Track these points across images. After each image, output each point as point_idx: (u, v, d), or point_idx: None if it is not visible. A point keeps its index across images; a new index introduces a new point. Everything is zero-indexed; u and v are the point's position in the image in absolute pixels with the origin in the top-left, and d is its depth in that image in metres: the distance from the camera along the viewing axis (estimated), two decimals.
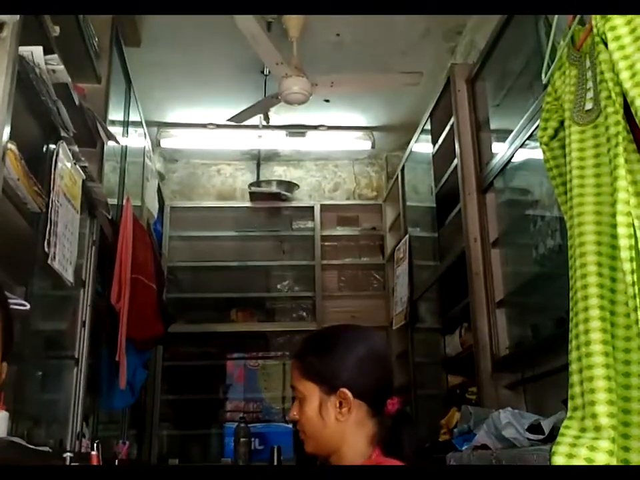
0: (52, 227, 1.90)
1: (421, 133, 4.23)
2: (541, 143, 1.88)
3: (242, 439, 4.53)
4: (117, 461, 2.04)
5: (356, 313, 5.16)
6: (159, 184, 4.64)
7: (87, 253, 2.64)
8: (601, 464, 1.36)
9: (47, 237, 1.88)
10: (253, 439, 4.68)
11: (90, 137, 2.53)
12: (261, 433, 4.71)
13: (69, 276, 2.09)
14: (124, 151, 3.53)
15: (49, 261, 1.88)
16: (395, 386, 4.40)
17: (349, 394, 1.40)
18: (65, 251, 2.02)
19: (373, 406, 1.43)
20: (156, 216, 4.40)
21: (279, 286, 5.34)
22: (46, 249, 1.87)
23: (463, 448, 2.26)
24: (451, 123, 3.50)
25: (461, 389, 3.42)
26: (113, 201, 3.26)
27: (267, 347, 5.16)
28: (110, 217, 2.87)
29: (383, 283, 5.31)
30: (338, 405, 1.41)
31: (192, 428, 4.96)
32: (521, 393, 2.84)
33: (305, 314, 5.28)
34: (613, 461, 1.37)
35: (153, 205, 4.24)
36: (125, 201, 3.22)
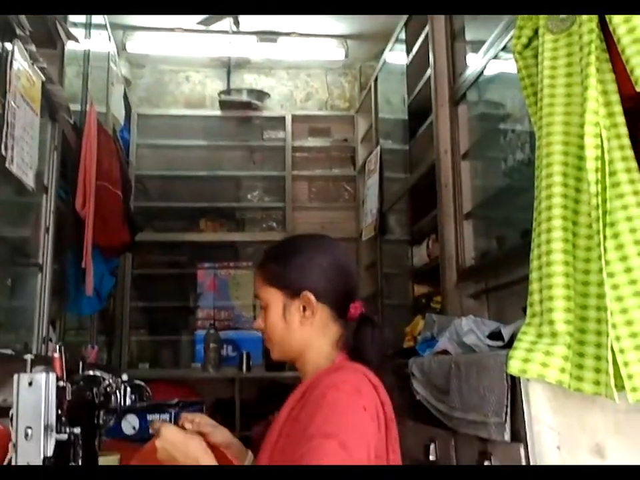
0: (9, 129, 1.84)
1: (395, 43, 4.12)
2: (514, 52, 1.84)
3: (211, 345, 4.61)
4: (84, 364, 2.06)
5: (326, 224, 5.17)
6: (125, 90, 4.50)
7: (49, 158, 2.58)
8: (555, 368, 1.40)
9: (3, 139, 1.82)
10: (225, 346, 4.77)
11: (49, 36, 2.42)
12: (231, 340, 4.79)
13: (29, 180, 2.04)
14: (87, 55, 3.40)
15: (7, 165, 1.83)
16: (363, 296, 4.47)
17: (312, 297, 1.41)
18: (24, 155, 1.96)
19: (336, 310, 1.44)
20: (122, 123, 4.28)
21: (249, 196, 5.31)
22: (3, 152, 1.82)
23: (425, 354, 2.32)
24: (425, 32, 3.41)
25: (427, 298, 3.48)
26: (76, 106, 3.17)
27: (237, 256, 5.17)
28: (72, 122, 2.79)
29: (354, 195, 5.30)
30: (302, 308, 1.42)
31: (163, 334, 5.02)
32: (484, 302, 2.90)
33: (274, 224, 5.27)
34: (568, 366, 1.42)
35: (118, 112, 4.13)
36: (88, 106, 3.12)
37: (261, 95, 5.17)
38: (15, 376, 1.42)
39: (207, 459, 1.27)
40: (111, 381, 1.86)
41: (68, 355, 2.54)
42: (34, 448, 1.38)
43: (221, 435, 1.50)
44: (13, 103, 1.89)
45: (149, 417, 2.29)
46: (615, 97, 1.44)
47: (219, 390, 4.71)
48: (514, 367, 1.43)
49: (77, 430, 1.51)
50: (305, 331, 1.43)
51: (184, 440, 1.30)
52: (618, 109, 1.44)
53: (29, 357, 1.46)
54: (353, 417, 1.22)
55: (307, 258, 1.45)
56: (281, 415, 1.35)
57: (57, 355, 1.57)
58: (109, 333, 4.57)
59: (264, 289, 1.46)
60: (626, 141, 1.43)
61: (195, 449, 1.28)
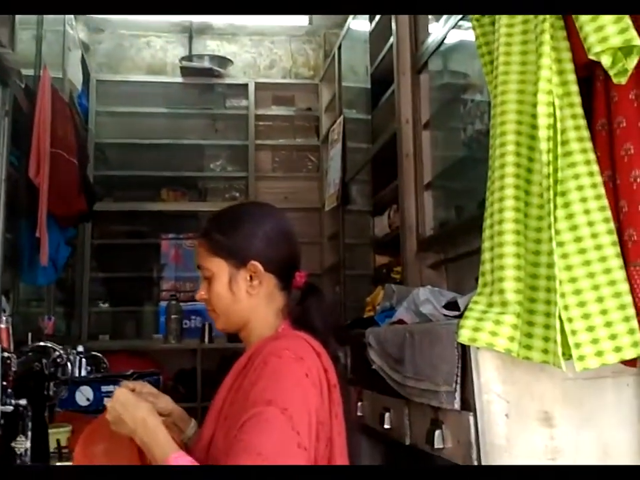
0: None
1: None
2: (472, 19, 1.82)
3: (173, 316, 4.59)
4: (34, 335, 2.02)
5: (289, 194, 5.15)
6: (82, 55, 4.37)
7: (0, 124, 2.50)
8: (504, 337, 1.41)
9: None
10: (193, 317, 4.75)
11: None
12: (195, 311, 4.76)
13: None
14: (40, 17, 3.28)
15: None
16: (326, 266, 4.49)
17: (260, 266, 1.39)
18: None
19: (282, 279, 1.44)
20: (80, 89, 4.17)
21: (211, 165, 5.23)
22: None
23: (383, 324, 2.32)
24: None
25: (387, 268, 3.49)
26: (29, 71, 3.08)
27: (199, 227, 5.11)
28: (24, 87, 2.70)
29: (317, 165, 5.26)
30: (248, 278, 1.40)
31: (125, 305, 4.97)
32: (443, 272, 2.91)
33: (237, 194, 5.22)
34: (517, 335, 1.42)
35: (76, 77, 4.02)
36: (41, 71, 3.03)
37: (224, 61, 5.08)
38: None
39: (153, 420, 1.26)
40: (61, 351, 1.83)
41: (22, 326, 2.51)
42: None
43: (164, 403, 1.48)
44: None
45: (103, 389, 2.27)
46: (569, 66, 1.43)
47: (181, 361, 4.70)
48: (464, 336, 1.43)
49: (24, 401, 1.48)
50: (252, 301, 1.41)
51: (134, 402, 1.29)
52: (572, 77, 1.43)
53: None
54: (294, 383, 1.22)
55: (253, 226, 1.43)
56: (225, 384, 1.35)
57: (2, 325, 1.54)
58: (69, 304, 4.50)
59: (208, 259, 1.42)
60: (579, 110, 1.43)
61: (144, 411, 1.27)
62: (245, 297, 1.40)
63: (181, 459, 1.16)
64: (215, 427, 1.31)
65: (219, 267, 1.41)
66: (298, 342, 1.32)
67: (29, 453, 1.63)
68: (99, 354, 2.96)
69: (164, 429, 1.25)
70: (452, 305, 2.04)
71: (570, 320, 1.35)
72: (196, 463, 1.18)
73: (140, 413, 1.26)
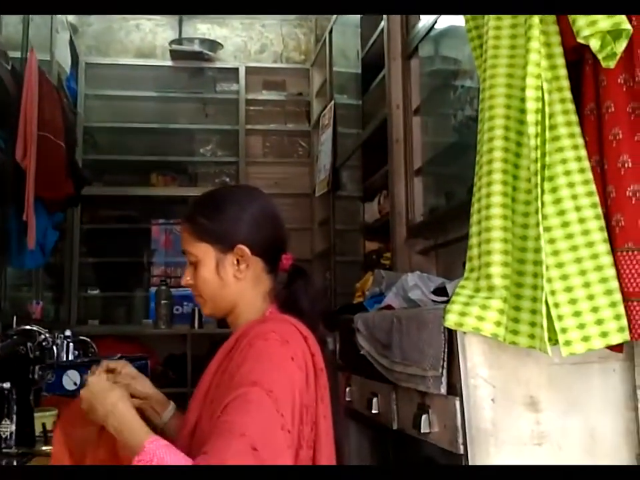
0: None
1: None
2: None
3: (163, 302, 4.58)
4: (19, 318, 2.01)
5: (280, 180, 5.13)
6: (71, 37, 4.34)
7: None
8: (491, 322, 1.41)
9: None
10: (184, 303, 4.74)
11: None
12: (185, 296, 4.74)
13: None
14: None
15: None
16: (317, 252, 4.48)
17: (247, 250, 1.37)
18: None
19: (269, 262, 1.42)
20: (68, 72, 4.14)
21: (201, 150, 5.20)
22: None
23: (372, 309, 2.32)
24: None
25: (377, 254, 3.49)
26: (16, 54, 3.04)
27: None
28: (10, 69, 2.67)
29: (308, 150, 5.24)
30: (235, 262, 1.38)
31: (115, 290, 4.95)
32: (432, 258, 2.91)
33: (228, 179, 5.19)
34: (503, 320, 1.42)
35: (64, 60, 3.99)
36: (29, 53, 2.99)
37: (214, 45, 5.03)
38: None
39: (124, 406, 1.23)
40: (47, 335, 1.82)
41: (10, 311, 2.49)
42: None
43: (141, 385, 1.47)
44: None
45: None
46: (558, 50, 1.42)
47: (171, 346, 4.70)
48: (451, 320, 1.43)
49: (7, 385, 1.47)
50: (239, 285, 1.39)
51: (107, 388, 1.27)
52: (561, 61, 1.42)
53: None
54: (279, 366, 1.22)
55: (238, 210, 1.40)
56: (211, 367, 1.33)
57: None
58: (58, 289, 4.48)
59: (194, 245, 1.39)
60: (567, 95, 1.42)
61: (115, 397, 1.24)
62: (232, 282, 1.38)
63: (156, 443, 1.12)
64: (200, 410, 1.30)
65: (205, 252, 1.38)
66: (284, 325, 1.31)
67: (14, 436, 1.62)
68: (86, 338, 2.95)
69: (136, 415, 1.22)
70: (440, 291, 2.04)
71: (556, 305, 1.35)
72: (172, 447, 1.14)
73: (110, 399, 1.24)
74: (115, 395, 1.25)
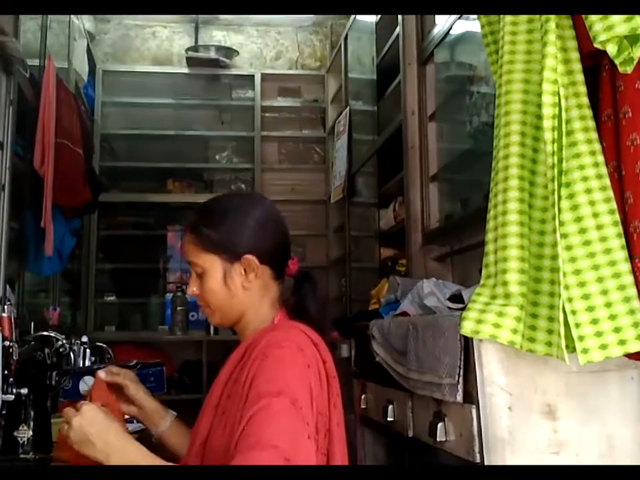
0: None
1: None
2: None
3: (178, 308, 4.59)
4: (37, 324, 2.02)
5: (295, 186, 5.13)
6: (88, 45, 4.37)
7: (4, 112, 2.50)
8: (508, 329, 1.40)
9: None
10: (199, 309, 4.73)
11: None
12: None
13: None
14: None
15: None
16: (332, 259, 4.47)
17: (255, 259, 1.36)
18: None
19: (276, 268, 1.41)
20: (86, 79, 4.17)
21: (217, 157, 5.22)
22: None
23: (387, 316, 2.32)
24: None
25: (393, 261, 3.48)
26: (34, 61, 3.07)
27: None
28: (28, 76, 2.70)
29: (323, 157, 5.24)
30: (243, 272, 1.36)
31: (131, 296, 4.97)
32: (448, 265, 2.90)
33: (243, 186, 5.20)
34: (520, 327, 1.41)
35: (81, 68, 4.02)
36: (46, 61, 3.02)
37: (230, 52, 5.06)
38: None
39: (128, 441, 1.18)
40: (64, 341, 1.83)
41: (27, 317, 2.51)
42: None
43: (141, 394, 1.47)
44: None
45: None
46: (575, 55, 1.42)
47: (186, 352, 4.71)
48: (467, 328, 1.42)
49: (24, 390, 1.48)
50: (248, 294, 1.37)
51: (105, 422, 1.20)
52: (577, 66, 1.41)
53: None
54: (300, 374, 1.21)
55: (242, 218, 1.38)
56: (221, 377, 1.32)
57: (5, 314, 1.53)
58: (74, 295, 4.51)
59: (199, 256, 1.37)
60: (584, 100, 1.41)
61: (117, 433, 1.19)
62: (240, 292, 1.36)
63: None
64: (211, 421, 1.29)
65: (212, 263, 1.36)
66: (296, 333, 1.30)
67: (31, 442, 1.63)
68: (103, 344, 2.96)
69: (136, 443, 1.18)
70: (456, 298, 2.03)
71: (574, 312, 1.34)
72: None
73: (112, 435, 1.18)
74: (117, 430, 1.20)
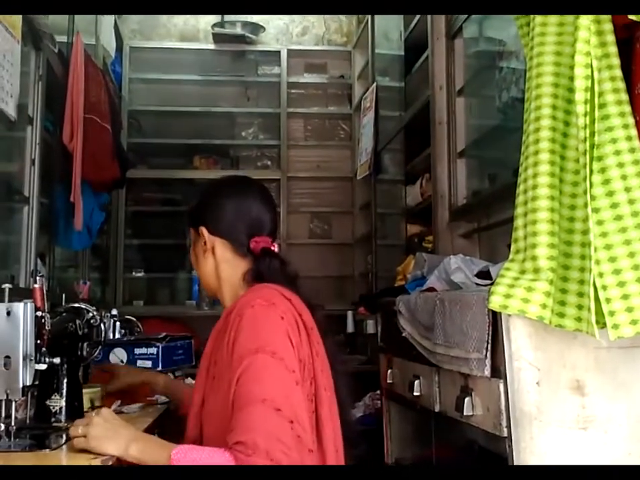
0: None
1: None
2: None
3: None
4: (68, 296, 2.05)
5: (321, 163, 5.13)
6: (116, 22, 4.38)
7: (34, 88, 2.53)
8: (536, 304, 1.39)
9: None
10: None
11: None
12: None
13: (9, 110, 1.99)
14: None
15: None
16: (358, 235, 4.47)
17: (205, 231, 1.50)
18: (4, 83, 1.91)
19: (237, 245, 1.49)
20: (113, 55, 4.18)
21: (243, 133, 5.23)
22: None
23: (413, 292, 2.32)
24: None
25: (419, 238, 3.47)
26: (63, 38, 3.09)
27: None
28: (57, 52, 2.71)
29: (350, 133, 5.22)
30: (203, 243, 1.51)
31: (159, 272, 5.02)
32: (475, 241, 2.88)
33: (269, 162, 5.21)
34: (550, 302, 1.40)
35: (109, 44, 4.03)
36: (75, 37, 3.04)
37: (256, 28, 5.03)
38: None
39: (137, 432, 1.35)
40: (95, 313, 1.86)
41: (58, 290, 2.54)
42: (12, 377, 1.39)
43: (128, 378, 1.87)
44: None
45: (137, 351, 2.30)
46: (609, 26, 1.39)
47: (213, 327, 4.74)
48: (495, 303, 1.42)
49: (57, 360, 1.51)
50: (207, 264, 1.51)
51: (119, 420, 1.35)
52: (611, 38, 1.38)
53: (6, 286, 1.44)
54: (273, 327, 1.27)
55: (207, 195, 1.56)
56: (208, 347, 1.40)
57: (37, 285, 1.56)
58: (103, 270, 4.57)
59: (189, 231, 1.58)
60: (617, 73, 1.38)
61: (130, 428, 1.34)
62: (202, 261, 1.52)
63: (180, 450, 1.19)
64: (204, 388, 1.36)
65: (192, 236, 1.57)
66: (266, 291, 1.37)
67: (63, 411, 1.66)
68: (132, 318, 3.00)
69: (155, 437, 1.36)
70: (484, 274, 2.02)
71: (604, 287, 1.32)
72: (196, 447, 1.23)
73: (130, 428, 1.33)
74: (126, 425, 1.34)
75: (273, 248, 1.50)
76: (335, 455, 1.31)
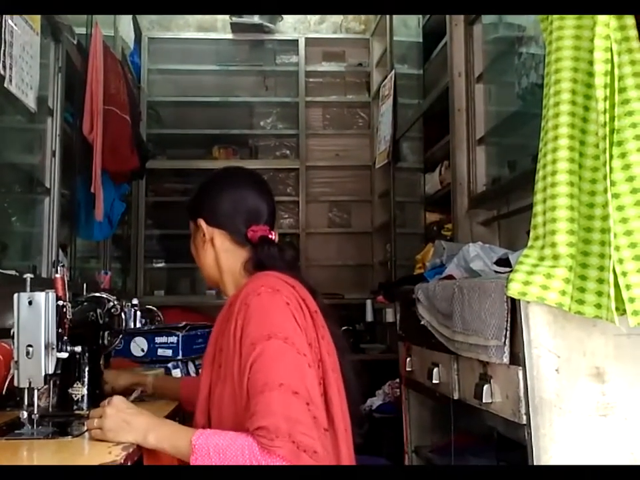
0: (6, 48, 1.80)
1: None
2: None
3: None
4: (89, 285, 2.07)
5: (340, 152, 5.12)
6: None
7: (54, 80, 2.55)
8: (556, 291, 1.38)
9: (1, 58, 1.78)
10: None
11: None
12: None
13: (29, 101, 2.01)
14: None
15: (5, 84, 1.80)
16: (377, 224, 4.47)
17: (203, 222, 1.51)
18: (24, 75, 1.93)
19: (235, 234, 1.51)
20: (132, 46, 4.21)
21: (262, 123, 5.23)
22: (1, 71, 1.78)
23: (432, 280, 2.31)
24: None
25: (438, 226, 3.46)
26: (81, 30, 3.11)
27: None
28: (76, 44, 2.73)
29: (368, 122, 5.20)
30: (202, 235, 1.53)
31: (179, 262, 5.04)
32: (495, 229, 2.87)
33: (288, 152, 5.21)
34: (569, 289, 1.39)
35: (127, 35, 4.05)
36: (93, 29, 3.05)
37: (274, 17, 5.02)
38: (15, 295, 1.44)
39: (154, 418, 1.34)
40: (115, 303, 1.88)
41: (79, 280, 2.57)
42: (35, 365, 1.41)
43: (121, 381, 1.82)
44: (10, 21, 1.84)
45: (157, 340, 2.32)
46: None
47: None
48: (514, 290, 1.41)
49: (78, 349, 1.53)
50: (208, 255, 1.53)
51: (134, 408, 1.36)
52: (631, 21, 1.36)
53: (28, 276, 1.46)
54: (281, 312, 1.29)
55: (204, 187, 1.58)
56: (212, 336, 1.42)
57: (58, 275, 1.57)
58: (124, 260, 4.61)
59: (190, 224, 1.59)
60: (638, 56, 1.36)
61: (143, 413, 1.34)
62: (202, 252, 1.54)
63: (202, 435, 1.20)
64: (210, 376, 1.38)
65: (192, 229, 1.59)
66: (269, 279, 1.38)
67: (85, 399, 1.69)
68: (153, 307, 3.03)
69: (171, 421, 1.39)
70: (503, 262, 2.01)
71: (624, 274, 1.31)
72: (217, 431, 1.24)
73: (145, 415, 1.33)
74: (142, 410, 1.36)
75: (271, 236, 1.51)
76: (345, 435, 1.34)
